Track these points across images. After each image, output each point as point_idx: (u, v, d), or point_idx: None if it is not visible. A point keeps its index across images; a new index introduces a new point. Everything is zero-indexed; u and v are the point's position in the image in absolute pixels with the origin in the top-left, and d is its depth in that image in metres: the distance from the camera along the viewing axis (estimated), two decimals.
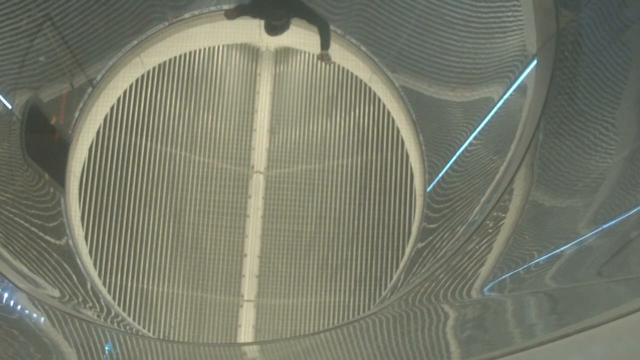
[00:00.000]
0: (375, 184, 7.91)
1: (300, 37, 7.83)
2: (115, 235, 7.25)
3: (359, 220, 7.83)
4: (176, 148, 7.72)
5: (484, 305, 3.21)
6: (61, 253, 6.21)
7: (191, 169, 7.75)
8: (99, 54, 7.04)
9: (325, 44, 5.46)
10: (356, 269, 7.71)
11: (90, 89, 7.17)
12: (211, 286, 7.54)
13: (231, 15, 5.68)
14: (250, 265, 7.68)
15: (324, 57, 5.57)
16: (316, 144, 8.03)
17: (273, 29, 5.43)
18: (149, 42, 7.46)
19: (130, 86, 7.55)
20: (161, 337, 7.08)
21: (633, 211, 2.64)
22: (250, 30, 7.85)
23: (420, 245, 6.95)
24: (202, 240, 7.64)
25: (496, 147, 5.34)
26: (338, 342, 4.25)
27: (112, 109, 7.45)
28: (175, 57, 7.79)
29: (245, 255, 7.70)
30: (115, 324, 5.89)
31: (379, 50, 7.53)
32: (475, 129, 6.02)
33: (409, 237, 7.63)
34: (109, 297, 6.98)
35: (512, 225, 3.87)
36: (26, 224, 5.41)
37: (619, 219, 2.71)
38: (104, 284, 7.06)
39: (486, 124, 5.72)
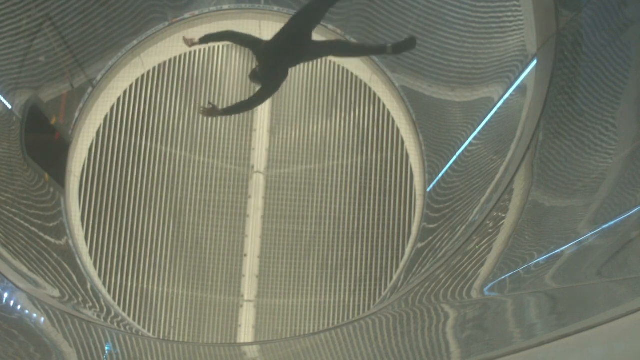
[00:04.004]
0: (375, 184, 7.91)
1: None
2: (115, 235, 7.25)
3: (359, 220, 7.83)
4: (176, 148, 7.72)
5: (484, 305, 3.21)
6: (61, 253, 6.21)
7: (191, 169, 7.75)
8: (99, 54, 7.04)
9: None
10: (356, 269, 7.71)
11: (90, 89, 7.17)
12: (211, 286, 7.54)
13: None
14: (250, 265, 7.68)
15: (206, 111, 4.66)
16: (316, 144, 8.03)
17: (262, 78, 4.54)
18: (149, 42, 7.46)
19: (130, 86, 7.55)
20: (161, 337, 7.08)
21: (633, 211, 2.64)
22: (250, 30, 7.86)
23: (420, 245, 6.95)
24: (202, 240, 7.64)
25: (496, 147, 5.34)
26: (338, 342, 4.25)
27: (112, 109, 7.44)
28: (175, 57, 7.79)
29: (245, 255, 7.70)
30: (115, 324, 5.89)
31: None
32: (475, 129, 6.02)
33: (409, 237, 7.63)
34: (109, 297, 6.98)
35: (512, 225, 3.87)
36: (26, 224, 5.41)
37: (619, 219, 2.71)
38: (104, 284, 7.06)
39: (486, 124, 5.72)
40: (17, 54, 5.48)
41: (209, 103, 4.68)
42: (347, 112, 8.09)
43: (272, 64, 4.41)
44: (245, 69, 8.13)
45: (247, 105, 4.73)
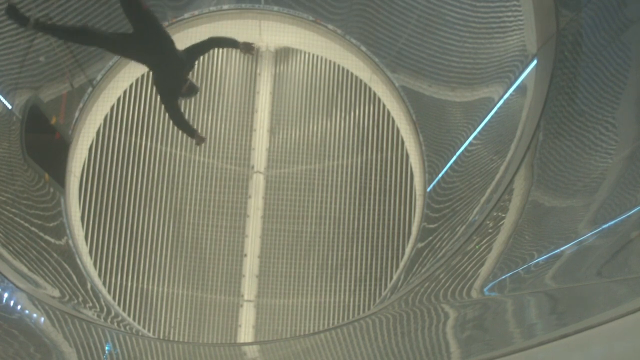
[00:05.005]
0: (375, 184, 7.91)
1: (300, 37, 7.83)
2: (115, 235, 7.25)
3: (359, 220, 7.83)
4: (176, 148, 7.72)
5: (484, 305, 3.21)
6: (61, 253, 6.21)
7: (191, 169, 7.75)
8: (99, 54, 7.03)
9: (232, 44, 4.80)
10: (356, 269, 7.71)
11: (90, 89, 7.17)
12: (211, 286, 7.54)
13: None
14: (250, 265, 7.68)
15: (246, 48, 4.79)
16: (316, 144, 8.03)
17: (187, 95, 4.83)
18: None
19: (130, 86, 7.55)
20: (161, 337, 7.08)
21: (633, 211, 2.64)
22: (250, 30, 7.86)
23: (420, 245, 6.95)
24: (202, 240, 7.64)
25: (496, 147, 5.34)
26: (338, 342, 4.25)
27: (112, 109, 7.45)
28: None
29: (245, 255, 7.70)
30: (115, 324, 5.89)
31: (379, 50, 7.53)
32: (475, 129, 6.01)
33: (409, 237, 7.63)
34: (109, 297, 6.98)
35: (512, 225, 3.87)
36: (26, 224, 5.41)
37: (619, 219, 2.71)
38: (104, 284, 7.06)
39: (486, 124, 5.72)
40: (17, 54, 5.48)
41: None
42: (347, 112, 8.09)
43: (174, 81, 4.61)
44: (246, 68, 8.14)
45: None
